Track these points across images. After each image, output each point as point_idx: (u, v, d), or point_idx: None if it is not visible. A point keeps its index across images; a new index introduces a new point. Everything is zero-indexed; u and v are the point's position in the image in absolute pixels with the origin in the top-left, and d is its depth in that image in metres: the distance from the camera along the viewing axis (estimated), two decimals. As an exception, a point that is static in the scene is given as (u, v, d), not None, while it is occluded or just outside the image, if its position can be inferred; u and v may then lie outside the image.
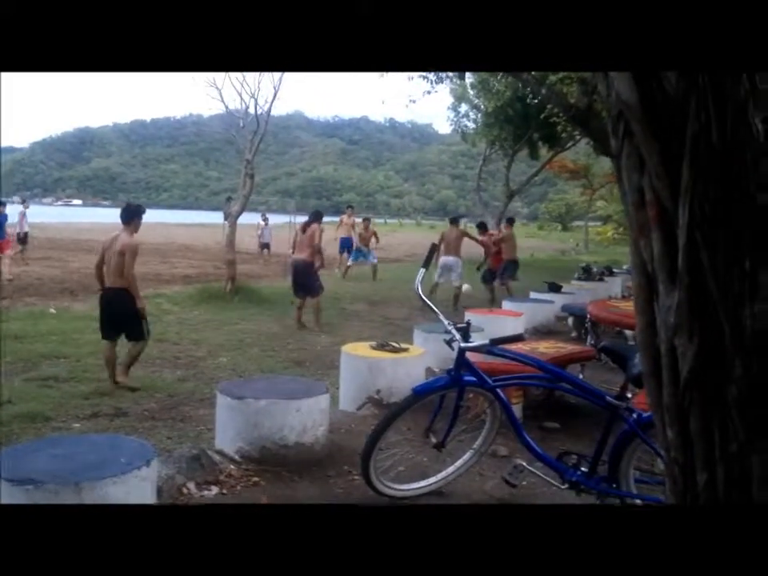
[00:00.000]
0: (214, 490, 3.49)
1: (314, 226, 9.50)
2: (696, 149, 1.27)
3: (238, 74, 11.67)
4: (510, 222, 13.69)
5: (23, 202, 18.80)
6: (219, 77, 11.91)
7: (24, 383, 5.91)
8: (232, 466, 3.77)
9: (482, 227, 13.42)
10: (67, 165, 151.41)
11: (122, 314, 5.96)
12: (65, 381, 6.06)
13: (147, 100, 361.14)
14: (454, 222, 12.63)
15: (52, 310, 9.67)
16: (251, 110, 12.00)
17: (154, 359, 7.05)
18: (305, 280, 9.36)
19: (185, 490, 3.40)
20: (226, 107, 12.22)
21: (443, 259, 11.85)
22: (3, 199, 16.14)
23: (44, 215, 18.72)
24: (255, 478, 3.70)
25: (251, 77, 11.86)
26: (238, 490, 3.56)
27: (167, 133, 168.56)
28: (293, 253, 9.81)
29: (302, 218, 18.60)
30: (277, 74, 11.65)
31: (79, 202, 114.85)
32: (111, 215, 19.30)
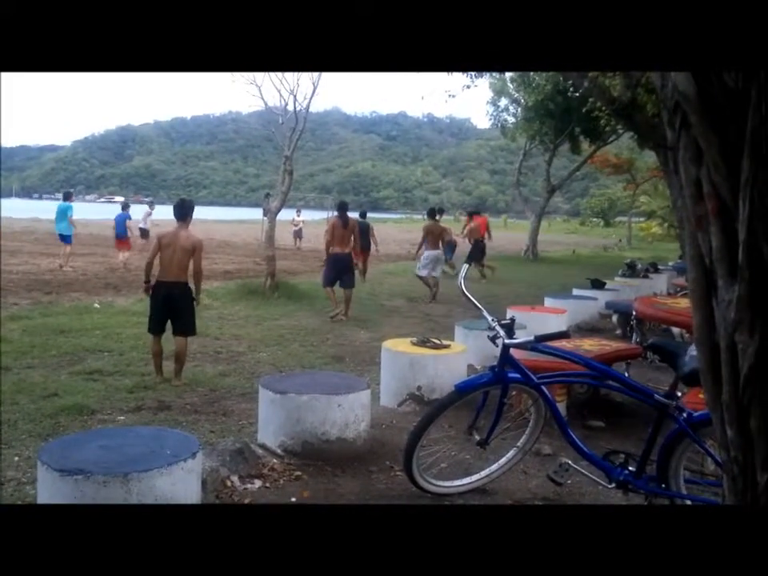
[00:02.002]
0: (257, 483, 3.51)
1: (353, 220, 9.65)
2: (757, 141, 1.23)
3: (278, 72, 11.72)
4: (471, 214, 14.53)
5: (150, 203, 21.28)
6: (259, 74, 11.97)
7: (70, 377, 6.03)
8: (275, 460, 3.79)
9: (435, 213, 13.21)
10: (109, 162, 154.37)
11: (181, 308, 6.04)
12: (109, 374, 6.16)
13: (187, 98, 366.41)
14: (432, 215, 12.92)
15: (96, 305, 9.86)
16: (290, 107, 12.06)
17: (196, 353, 7.13)
18: (345, 273, 9.70)
19: (228, 483, 3.43)
20: (266, 104, 12.27)
21: (431, 253, 12.11)
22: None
23: (87, 212, 19.30)
24: (297, 472, 3.71)
25: (290, 74, 11.91)
26: (280, 483, 3.58)
27: (207, 130, 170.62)
28: (330, 247, 9.94)
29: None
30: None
31: (121, 198, 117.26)
32: (153, 212, 19.63)
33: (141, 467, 2.60)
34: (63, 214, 15.23)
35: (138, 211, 18.79)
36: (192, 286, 6.12)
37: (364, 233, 15.18)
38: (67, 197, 16.02)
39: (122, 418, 5.01)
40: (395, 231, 41.09)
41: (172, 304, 6.03)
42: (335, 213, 10.08)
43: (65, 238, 15.20)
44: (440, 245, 12.34)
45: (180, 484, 2.69)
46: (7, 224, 28.60)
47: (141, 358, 6.79)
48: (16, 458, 4.12)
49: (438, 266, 12.23)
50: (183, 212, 6.18)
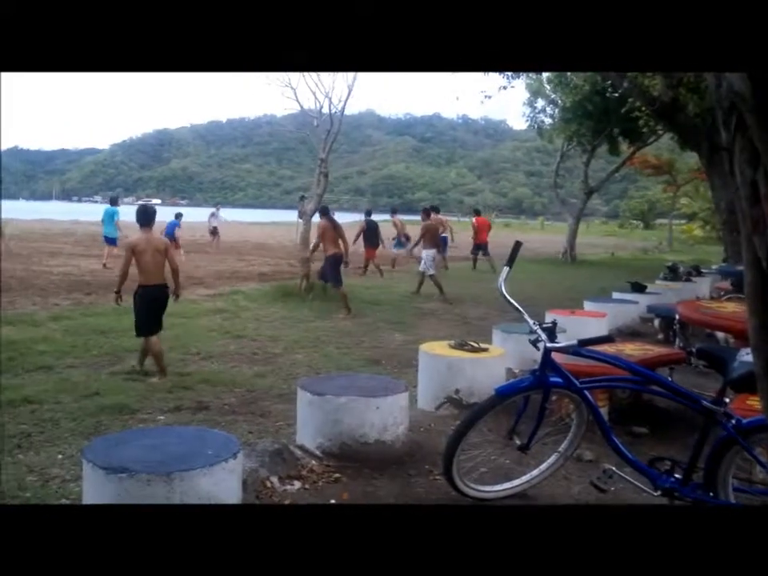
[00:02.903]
0: (297, 484, 3.51)
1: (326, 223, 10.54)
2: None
3: (313, 74, 11.78)
4: (429, 211, 14.57)
5: (216, 205, 23.89)
6: (294, 77, 12.04)
7: (110, 376, 6.12)
8: (313, 462, 3.79)
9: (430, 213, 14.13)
10: (147, 165, 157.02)
11: (163, 309, 6.41)
12: (149, 374, 6.25)
13: (223, 101, 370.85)
14: (428, 214, 13.58)
15: (135, 306, 9.99)
16: (325, 110, 12.11)
17: (233, 354, 7.20)
18: (335, 272, 10.49)
19: (268, 484, 3.43)
20: (301, 107, 12.35)
21: (430, 252, 12.66)
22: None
23: (126, 214, 19.88)
24: (336, 475, 3.70)
25: (326, 76, 11.96)
26: (319, 485, 3.57)
27: (242, 133, 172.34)
28: (325, 249, 10.62)
29: (375, 216, 18.97)
30: (350, 73, 11.71)
31: (158, 201, 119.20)
32: (189, 214, 19.90)
33: (183, 466, 2.61)
34: (111, 218, 15.88)
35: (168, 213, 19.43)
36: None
37: (372, 232, 15.50)
38: (114, 201, 16.73)
39: (161, 417, 5.07)
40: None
41: (158, 304, 6.36)
42: (323, 217, 10.78)
43: (111, 241, 15.81)
44: (437, 243, 12.98)
45: (222, 484, 2.70)
46: (48, 226, 29.30)
47: (179, 358, 6.87)
48: (60, 456, 4.20)
49: (434, 263, 12.83)
50: (148, 218, 6.42)
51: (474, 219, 19.30)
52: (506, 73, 16.56)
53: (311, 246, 11.45)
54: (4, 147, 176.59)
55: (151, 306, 6.30)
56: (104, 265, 15.32)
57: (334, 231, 10.57)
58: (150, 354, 6.28)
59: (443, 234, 17.48)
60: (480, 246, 18.44)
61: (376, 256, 15.86)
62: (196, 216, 21.59)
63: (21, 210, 41.99)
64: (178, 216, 18.82)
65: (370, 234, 15.65)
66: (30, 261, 16.34)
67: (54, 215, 21.13)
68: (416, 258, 13.22)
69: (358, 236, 15.59)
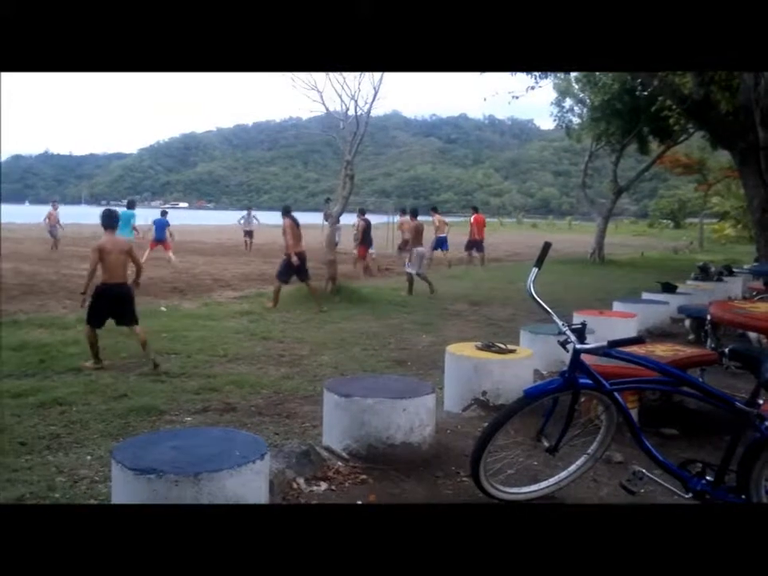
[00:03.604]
0: (323, 485, 3.50)
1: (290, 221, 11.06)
2: None
3: (339, 76, 11.78)
4: (406, 211, 15.69)
5: (248, 209, 24.68)
6: (320, 79, 12.09)
7: (138, 378, 6.18)
8: (340, 463, 3.78)
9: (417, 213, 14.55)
10: (174, 169, 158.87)
11: (129, 304, 6.85)
12: (176, 376, 6.30)
13: (249, 105, 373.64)
14: (415, 214, 13.97)
15: (163, 308, 10.11)
16: (351, 112, 12.11)
17: (260, 356, 7.23)
18: (306, 268, 11.10)
19: (295, 485, 3.43)
20: (327, 109, 12.36)
21: (420, 250, 13.15)
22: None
23: (153, 218, 20.26)
24: (363, 476, 3.68)
25: (351, 78, 11.96)
26: (346, 486, 3.56)
27: (268, 136, 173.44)
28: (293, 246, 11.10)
29: (399, 218, 19.12)
30: (377, 75, 11.69)
31: (185, 204, 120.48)
32: (215, 217, 20.07)
33: (211, 467, 2.62)
34: (127, 221, 16.08)
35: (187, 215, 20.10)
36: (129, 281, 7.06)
37: (367, 230, 15.66)
38: (131, 205, 16.94)
39: (189, 419, 5.10)
40: (456, 234, 40.75)
41: (121, 301, 6.79)
42: (286, 216, 11.32)
43: None
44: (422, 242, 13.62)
45: (249, 485, 2.70)
46: (77, 230, 29.67)
47: (206, 360, 6.92)
48: (88, 457, 4.24)
49: (423, 262, 13.34)
50: (112, 221, 6.97)
51: (472, 217, 19.93)
52: (534, 73, 16.44)
53: (286, 246, 11.78)
54: (35, 152, 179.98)
55: (108, 302, 6.73)
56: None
57: (297, 229, 11.17)
58: (88, 343, 6.65)
59: (442, 234, 18.80)
60: (475, 243, 19.33)
61: (368, 256, 16.24)
62: (223, 219, 21.72)
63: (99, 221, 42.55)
64: (164, 214, 18.97)
65: (365, 233, 16.03)
66: (60, 264, 16.61)
67: (83, 219, 21.50)
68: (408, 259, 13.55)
69: (360, 234, 16.16)
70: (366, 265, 16.22)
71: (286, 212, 11.47)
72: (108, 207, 7.44)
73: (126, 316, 6.84)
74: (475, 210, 20.75)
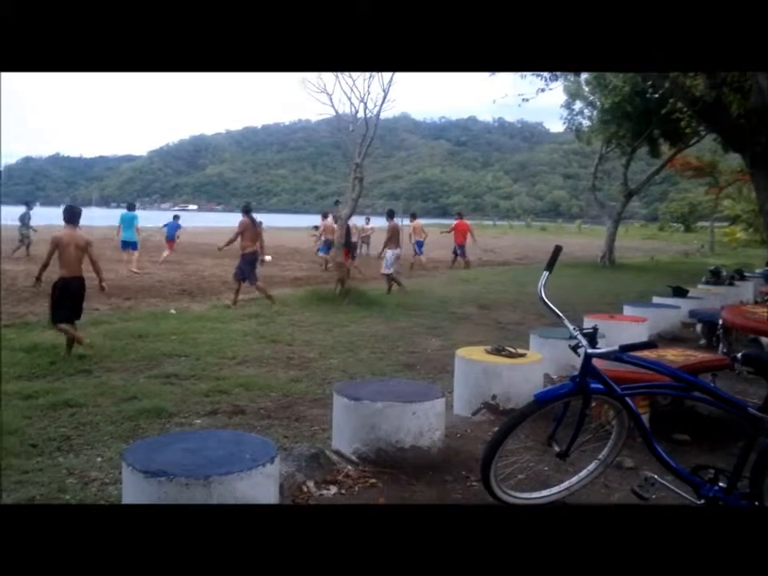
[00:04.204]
0: (333, 489, 3.50)
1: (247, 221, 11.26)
2: None
3: (348, 79, 11.78)
4: (392, 213, 15.64)
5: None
6: (330, 82, 12.10)
7: (148, 380, 6.19)
8: (349, 467, 3.77)
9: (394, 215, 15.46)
10: (183, 171, 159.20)
11: (81, 297, 7.09)
12: (185, 378, 6.30)
13: (258, 107, 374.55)
14: (392, 216, 14.74)
15: (172, 311, 10.13)
16: (360, 114, 12.11)
17: (268, 359, 7.23)
18: (251, 269, 11.23)
19: (304, 488, 3.43)
20: (336, 111, 12.37)
21: (395, 251, 13.72)
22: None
23: (162, 220, 20.50)
24: (372, 480, 3.67)
25: (361, 81, 11.96)
26: (355, 490, 3.55)
27: (277, 139, 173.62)
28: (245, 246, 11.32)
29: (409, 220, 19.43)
30: (386, 77, 11.69)
31: (195, 207, 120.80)
32: (224, 219, 20.20)
33: (221, 470, 2.62)
34: (130, 223, 16.21)
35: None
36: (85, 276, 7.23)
37: (348, 234, 15.82)
38: (131, 207, 17.31)
39: (198, 421, 5.10)
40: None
41: (77, 294, 7.03)
42: (245, 215, 11.52)
43: (132, 245, 16.29)
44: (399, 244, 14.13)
45: (259, 488, 2.70)
46: (87, 232, 29.80)
47: (215, 362, 6.93)
48: (99, 459, 4.25)
49: (396, 262, 13.83)
50: (73, 216, 7.18)
51: (455, 222, 20.76)
52: (543, 75, 16.41)
53: (227, 240, 12.10)
54: (46, 154, 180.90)
55: (69, 296, 6.97)
56: (133, 271, 15.54)
57: (253, 229, 11.32)
58: (67, 336, 6.94)
59: (419, 239, 19.67)
60: (459, 247, 20.09)
61: (350, 259, 16.40)
62: (232, 221, 21.79)
63: (62, 217, 42.85)
64: (176, 217, 20.05)
65: (346, 236, 16.06)
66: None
67: (93, 221, 21.64)
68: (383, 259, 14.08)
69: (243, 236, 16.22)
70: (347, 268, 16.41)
71: (246, 210, 11.67)
72: (70, 204, 7.74)
73: (78, 311, 7.14)
74: (459, 216, 21.36)
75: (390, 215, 14.72)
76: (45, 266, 7.12)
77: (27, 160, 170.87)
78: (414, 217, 20.91)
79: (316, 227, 21.99)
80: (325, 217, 19.59)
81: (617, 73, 16.29)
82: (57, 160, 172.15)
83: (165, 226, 19.61)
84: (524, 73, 16.45)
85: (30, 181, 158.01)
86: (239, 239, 11.40)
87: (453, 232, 20.52)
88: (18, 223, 19.64)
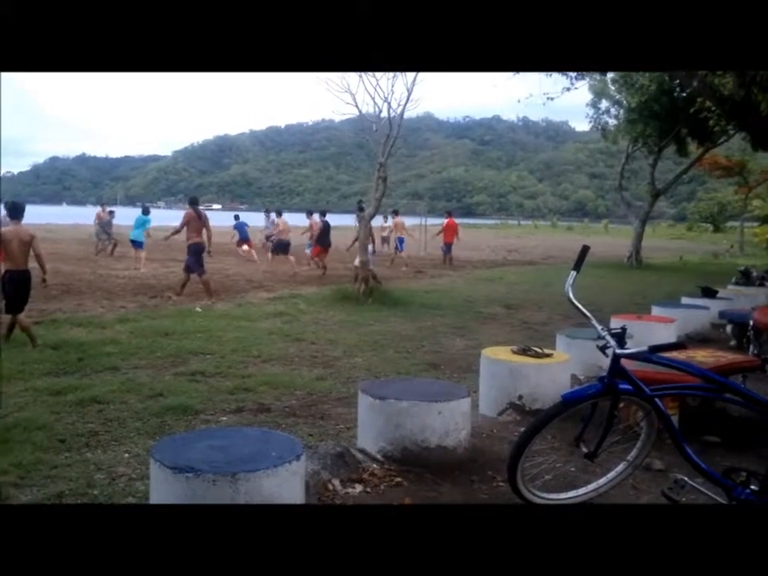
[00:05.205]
0: (358, 488, 3.49)
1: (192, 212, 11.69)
2: None
3: (372, 78, 11.77)
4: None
5: (267, 211, 24.11)
6: (353, 82, 12.09)
7: (174, 377, 6.24)
8: (375, 465, 3.76)
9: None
10: (208, 171, 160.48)
11: (26, 290, 7.37)
12: (211, 376, 6.35)
13: (281, 107, 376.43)
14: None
15: (198, 309, 10.20)
16: (384, 114, 12.10)
17: (293, 357, 7.25)
18: (197, 260, 11.63)
19: (330, 487, 3.42)
20: (360, 111, 12.37)
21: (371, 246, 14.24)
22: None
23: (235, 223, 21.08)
24: (398, 479, 3.66)
25: (384, 81, 11.95)
26: (381, 489, 3.54)
27: (300, 138, 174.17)
28: (189, 237, 11.75)
29: (433, 220, 19.49)
30: (410, 77, 11.67)
31: (219, 206, 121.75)
32: (248, 219, 20.44)
33: (248, 467, 2.62)
34: (141, 224, 16.82)
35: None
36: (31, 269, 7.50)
37: (326, 232, 15.96)
38: (146, 211, 17.91)
39: (224, 418, 5.13)
40: (490, 237, 40.59)
41: (23, 286, 7.32)
42: (191, 206, 12.04)
43: (138, 245, 16.89)
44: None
45: (285, 485, 2.70)
46: (114, 231, 30.12)
47: (240, 360, 6.97)
48: (126, 455, 4.29)
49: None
50: (17, 212, 7.44)
51: (445, 221, 21.28)
52: (569, 73, 16.28)
53: (171, 231, 12.56)
54: (72, 154, 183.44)
55: (18, 287, 7.25)
56: (137, 269, 15.91)
57: (199, 221, 11.65)
58: (21, 328, 7.26)
59: (400, 236, 20.64)
60: (446, 245, 20.60)
61: (327, 254, 16.83)
62: (256, 221, 21.91)
63: (88, 216, 43.54)
64: (237, 217, 20.85)
65: (324, 234, 16.65)
66: (98, 265, 16.90)
67: (118, 220, 21.88)
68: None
69: (314, 235, 17.11)
70: (322, 264, 16.73)
71: (192, 203, 12.20)
72: (14, 200, 7.84)
73: (23, 302, 7.38)
74: (449, 214, 21.74)
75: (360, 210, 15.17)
76: None
77: (54, 160, 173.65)
78: (396, 213, 21.62)
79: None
80: (323, 215, 19.96)
81: (643, 72, 16.08)
82: (83, 160, 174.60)
83: (235, 228, 20.30)
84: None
85: (57, 181, 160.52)
86: (185, 230, 11.83)
87: (443, 232, 20.97)
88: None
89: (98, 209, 22.07)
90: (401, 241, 20.59)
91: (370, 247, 14.11)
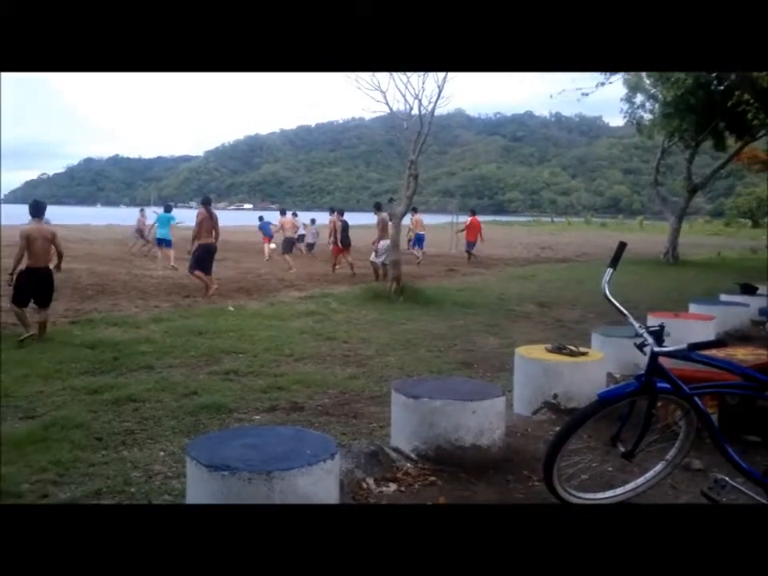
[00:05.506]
0: (392, 486, 3.48)
1: (205, 213, 11.98)
2: None
3: (402, 76, 11.73)
4: (380, 206, 16.08)
5: (294, 214, 24.49)
6: (384, 79, 12.04)
7: (208, 376, 6.29)
8: (409, 464, 3.75)
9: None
10: (239, 171, 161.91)
11: (48, 286, 7.72)
12: (244, 375, 6.38)
13: (311, 106, 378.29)
14: (379, 208, 15.56)
15: (230, 308, 10.28)
16: (414, 111, 12.05)
17: (325, 356, 7.26)
18: (212, 261, 12.18)
19: (364, 485, 3.42)
20: (390, 109, 12.33)
21: (386, 242, 13.97)
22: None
23: (220, 219, 21.31)
24: (432, 478, 3.64)
25: (415, 78, 11.91)
26: (415, 488, 3.53)
27: (330, 137, 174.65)
28: (198, 237, 12.08)
29: (464, 217, 19.49)
30: (441, 74, 11.60)
31: (250, 205, 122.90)
32: (277, 218, 20.67)
33: (283, 466, 2.63)
34: (167, 222, 17.15)
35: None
36: (52, 265, 7.90)
37: (345, 230, 15.90)
38: (168, 209, 18.38)
39: (257, 417, 5.16)
40: (522, 234, 40.23)
41: (42, 283, 7.62)
42: (203, 207, 12.33)
43: (167, 243, 17.18)
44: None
45: (320, 484, 2.70)
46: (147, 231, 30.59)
47: (273, 359, 7.00)
48: (161, 453, 4.33)
49: (388, 253, 13.74)
50: (39, 210, 7.73)
51: (469, 219, 21.74)
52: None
53: (192, 237, 12.53)
54: (105, 155, 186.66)
55: (35, 284, 7.56)
56: (174, 268, 16.10)
57: (210, 221, 11.93)
58: (18, 318, 7.56)
59: (420, 232, 20.66)
60: (470, 244, 21.05)
61: (349, 253, 16.78)
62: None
63: (121, 217, 44.33)
64: (261, 218, 21.82)
65: (343, 232, 16.57)
66: (132, 265, 17.16)
67: (152, 221, 22.25)
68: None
69: (331, 233, 17.12)
70: (334, 263, 16.84)
71: (205, 203, 12.44)
72: (36, 199, 8.05)
73: (43, 297, 7.67)
74: (473, 213, 22.15)
75: (378, 208, 15.50)
76: (17, 261, 7.55)
77: (88, 161, 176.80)
78: (415, 211, 21.14)
79: (313, 221, 23.50)
80: (294, 215, 21.07)
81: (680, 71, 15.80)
82: (116, 161, 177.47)
83: (260, 228, 21.16)
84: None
85: (91, 182, 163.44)
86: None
87: (466, 230, 21.31)
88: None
89: (139, 215, 22.35)
90: (420, 238, 20.70)
91: (384, 242, 14.28)
